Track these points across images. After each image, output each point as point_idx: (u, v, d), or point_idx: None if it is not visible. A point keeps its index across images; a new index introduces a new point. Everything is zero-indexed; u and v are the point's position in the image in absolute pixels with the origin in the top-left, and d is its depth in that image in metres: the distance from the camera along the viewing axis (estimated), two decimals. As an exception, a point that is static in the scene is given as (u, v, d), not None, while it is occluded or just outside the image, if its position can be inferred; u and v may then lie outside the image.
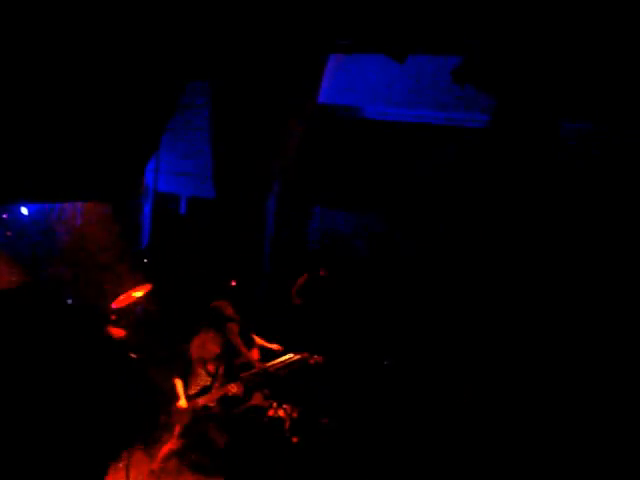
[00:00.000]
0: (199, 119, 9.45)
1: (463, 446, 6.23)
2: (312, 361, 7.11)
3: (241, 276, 7.95)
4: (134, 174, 8.23)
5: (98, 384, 6.21)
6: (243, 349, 7.02)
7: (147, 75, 7.04)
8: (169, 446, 6.08)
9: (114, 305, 7.65)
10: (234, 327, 7.03)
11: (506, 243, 7.19)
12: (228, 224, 9.11)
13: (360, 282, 8.82)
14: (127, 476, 5.76)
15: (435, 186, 8.48)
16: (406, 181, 8.70)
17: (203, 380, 6.26)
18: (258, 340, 7.36)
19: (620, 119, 6.88)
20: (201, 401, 6.17)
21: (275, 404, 6.70)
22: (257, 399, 6.68)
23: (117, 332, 7.36)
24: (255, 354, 7.20)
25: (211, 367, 6.30)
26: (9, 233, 7.62)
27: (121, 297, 7.81)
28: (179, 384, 6.17)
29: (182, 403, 6.10)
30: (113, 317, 7.54)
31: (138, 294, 7.94)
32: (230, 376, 6.37)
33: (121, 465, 5.92)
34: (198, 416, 6.12)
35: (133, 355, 6.84)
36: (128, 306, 7.77)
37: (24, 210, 7.72)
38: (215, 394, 6.20)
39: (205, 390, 6.23)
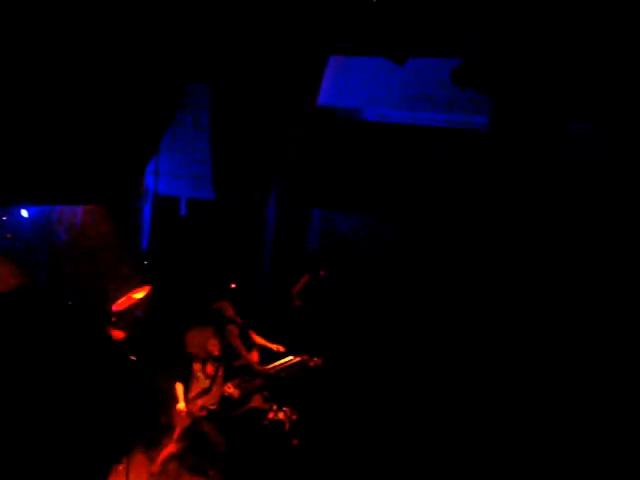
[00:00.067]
0: (199, 121, 9.44)
1: (463, 446, 6.24)
2: (312, 363, 7.11)
3: (241, 277, 7.95)
4: (134, 176, 8.24)
5: (98, 386, 6.23)
6: (243, 351, 7.02)
7: (147, 77, 7.05)
8: (169, 449, 6.09)
9: (114, 307, 7.64)
10: (234, 329, 7.04)
11: (506, 244, 7.19)
12: (228, 225, 9.11)
13: (360, 283, 8.82)
14: (127, 478, 5.77)
15: (435, 187, 8.49)
16: (406, 183, 8.70)
17: (202, 383, 6.27)
18: (258, 339, 7.36)
19: (620, 119, 6.87)
20: (200, 403, 6.18)
21: (275, 406, 6.69)
22: (257, 401, 6.67)
23: (117, 334, 7.36)
24: (255, 356, 7.21)
25: (210, 370, 6.30)
26: (9, 235, 7.60)
27: (121, 299, 7.81)
28: (179, 388, 6.18)
29: (181, 406, 6.10)
30: (113, 319, 7.53)
31: (138, 296, 7.94)
32: (229, 378, 6.39)
33: (121, 467, 5.94)
34: (198, 419, 6.12)
35: (133, 357, 6.84)
36: (128, 308, 7.76)
37: (24, 212, 7.71)
38: (214, 396, 6.21)
39: (204, 393, 6.23)
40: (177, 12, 6.75)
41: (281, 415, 6.67)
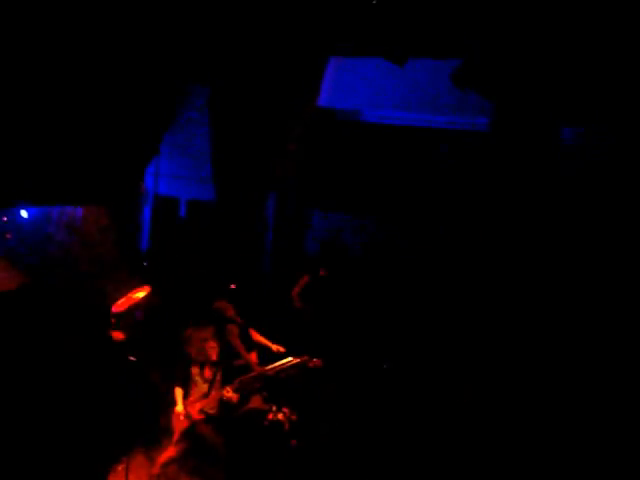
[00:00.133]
0: (199, 122, 9.45)
1: (463, 447, 6.24)
2: (311, 364, 7.11)
3: (241, 278, 7.95)
4: (134, 177, 8.26)
5: (98, 387, 6.23)
6: (242, 352, 7.02)
7: (147, 78, 7.07)
8: (169, 453, 6.09)
9: (114, 308, 7.63)
10: (234, 329, 7.04)
11: (506, 245, 7.19)
12: (228, 226, 9.12)
13: (360, 284, 8.82)
14: (127, 479, 5.77)
15: (435, 189, 8.49)
16: (406, 184, 8.71)
17: (201, 387, 6.28)
18: (259, 337, 7.35)
19: (620, 120, 6.88)
20: (199, 406, 6.18)
21: (274, 407, 6.69)
22: (256, 402, 6.67)
23: (117, 335, 7.36)
24: (254, 357, 7.21)
25: (208, 374, 6.31)
26: (9, 236, 7.62)
27: (121, 299, 7.80)
28: (178, 392, 6.19)
29: (180, 408, 6.10)
30: (113, 319, 7.53)
31: (138, 296, 7.93)
32: (228, 381, 6.39)
33: (120, 468, 5.93)
34: (197, 421, 6.13)
35: (133, 357, 6.84)
36: (128, 308, 7.76)
37: (24, 213, 7.73)
38: (213, 399, 6.21)
39: (203, 397, 6.24)
40: (177, 13, 6.76)
41: (280, 416, 6.66)
